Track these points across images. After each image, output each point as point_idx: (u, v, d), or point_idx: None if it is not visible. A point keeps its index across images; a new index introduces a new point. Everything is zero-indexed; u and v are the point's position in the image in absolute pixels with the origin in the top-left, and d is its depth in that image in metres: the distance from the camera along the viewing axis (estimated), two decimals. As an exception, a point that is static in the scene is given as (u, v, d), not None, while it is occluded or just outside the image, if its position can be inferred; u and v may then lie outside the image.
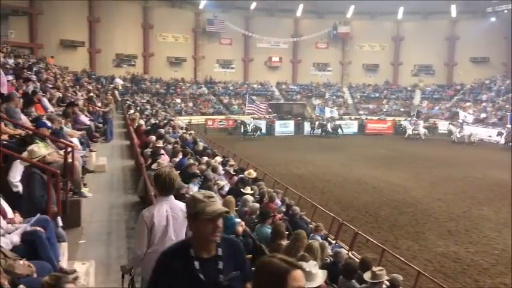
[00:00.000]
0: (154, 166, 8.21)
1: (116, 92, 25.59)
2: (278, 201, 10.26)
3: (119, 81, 32.09)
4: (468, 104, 40.99)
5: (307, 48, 45.69)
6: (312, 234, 8.42)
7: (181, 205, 4.15)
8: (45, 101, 11.88)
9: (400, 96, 44.93)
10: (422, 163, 24.89)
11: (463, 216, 15.30)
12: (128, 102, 27.07)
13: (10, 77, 10.26)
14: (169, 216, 4.14)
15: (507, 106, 37.61)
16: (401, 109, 43.09)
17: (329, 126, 36.33)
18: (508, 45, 41.11)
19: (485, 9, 39.93)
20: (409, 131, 36.19)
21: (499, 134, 33.26)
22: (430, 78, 45.44)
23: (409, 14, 43.73)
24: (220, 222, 2.69)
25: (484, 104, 39.87)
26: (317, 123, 36.96)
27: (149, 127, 16.33)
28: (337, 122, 37.42)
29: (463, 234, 13.57)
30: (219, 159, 13.11)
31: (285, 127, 37.35)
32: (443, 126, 38.41)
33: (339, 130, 36.37)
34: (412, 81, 45.71)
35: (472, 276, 10.60)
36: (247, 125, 34.13)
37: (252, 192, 9.73)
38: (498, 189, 19.19)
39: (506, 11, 38.95)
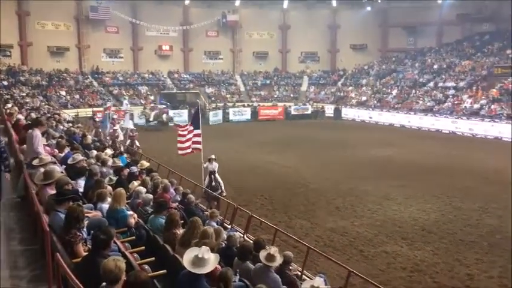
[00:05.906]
0: (35, 162, 7.66)
1: None
2: (172, 191, 10.16)
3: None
4: (350, 88, 43.97)
5: (198, 37, 45.40)
6: (207, 221, 8.47)
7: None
8: None
9: (290, 82, 46.71)
10: (312, 145, 26.28)
11: (349, 193, 16.46)
12: (5, 96, 24.82)
13: None
14: (39, 138, 8.80)
15: (384, 89, 41.05)
16: (291, 95, 44.87)
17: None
18: (382, 33, 44.95)
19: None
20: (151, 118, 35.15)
21: None
22: (316, 64, 47.95)
23: (293, 3, 45.34)
24: None
25: (364, 88, 43.06)
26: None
27: (29, 122, 15.14)
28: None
29: (349, 210, 14.65)
30: (109, 151, 12.60)
31: (178, 116, 36.65)
32: (329, 110, 41.03)
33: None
34: (299, 68, 47.80)
35: (357, 247, 11.49)
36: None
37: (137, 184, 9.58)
38: (378, 166, 20.94)
39: (380, 1, 42.20)
